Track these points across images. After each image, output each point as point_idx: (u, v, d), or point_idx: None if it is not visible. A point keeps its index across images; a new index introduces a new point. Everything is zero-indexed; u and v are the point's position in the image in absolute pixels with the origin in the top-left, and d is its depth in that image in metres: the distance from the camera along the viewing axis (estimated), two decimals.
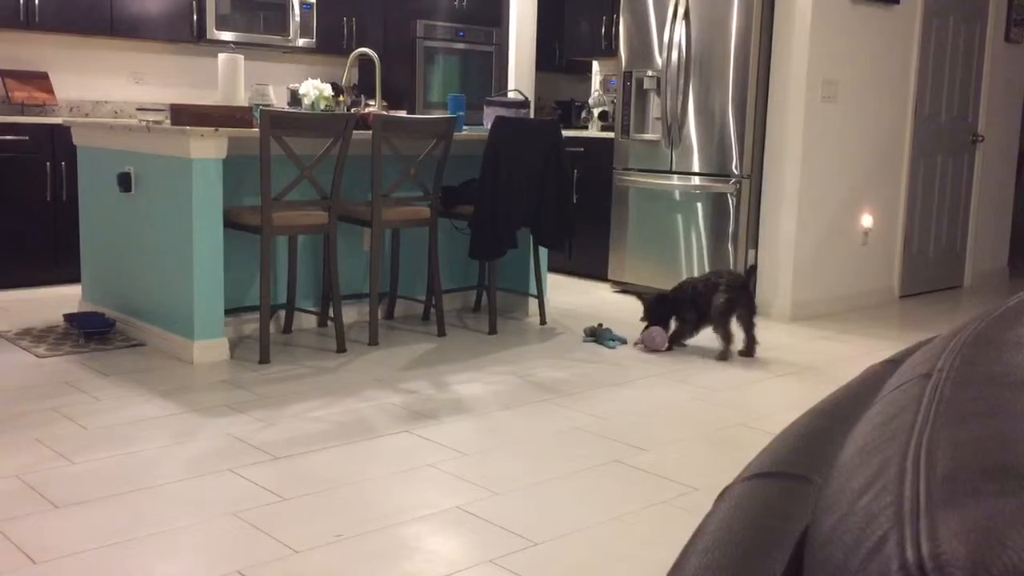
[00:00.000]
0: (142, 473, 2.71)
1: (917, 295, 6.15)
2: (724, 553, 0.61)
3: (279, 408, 3.35)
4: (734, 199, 5.29)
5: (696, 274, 5.47)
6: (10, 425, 3.08)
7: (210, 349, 3.95)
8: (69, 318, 4.33)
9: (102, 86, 6.15)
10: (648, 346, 4.38)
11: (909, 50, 5.76)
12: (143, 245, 4.21)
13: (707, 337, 4.55)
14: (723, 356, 4.26)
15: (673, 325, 4.43)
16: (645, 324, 4.44)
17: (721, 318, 4.22)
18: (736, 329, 4.26)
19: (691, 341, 4.51)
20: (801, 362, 4.28)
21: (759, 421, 3.40)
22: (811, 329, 5.01)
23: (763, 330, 4.91)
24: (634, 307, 5.44)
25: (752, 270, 4.46)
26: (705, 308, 4.25)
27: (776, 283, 5.29)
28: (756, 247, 5.37)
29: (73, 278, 5.39)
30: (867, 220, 5.67)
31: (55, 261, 5.46)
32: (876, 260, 5.80)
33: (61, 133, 5.36)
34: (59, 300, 5.10)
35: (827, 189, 5.35)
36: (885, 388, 0.70)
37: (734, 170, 5.28)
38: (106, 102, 6.15)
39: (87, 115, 6.08)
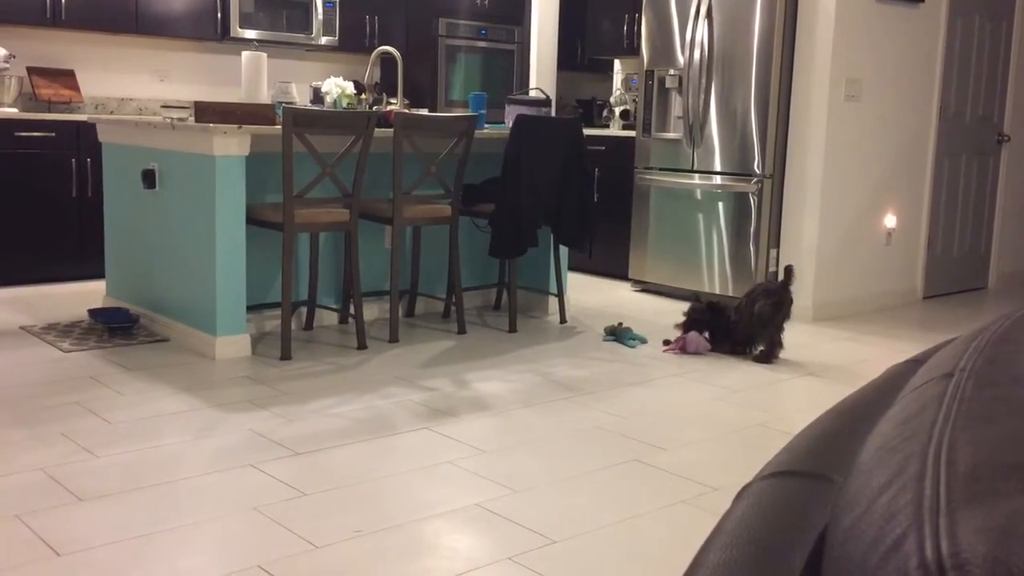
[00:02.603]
0: (164, 467, 2.74)
1: (941, 296, 6.10)
2: (743, 551, 0.61)
3: (300, 404, 3.36)
4: (756, 199, 5.27)
5: (716, 273, 5.46)
6: (35, 419, 3.12)
7: (232, 345, 3.97)
8: (93, 313, 4.37)
9: (127, 83, 6.20)
10: (688, 350, 4.32)
11: (934, 49, 5.71)
12: (167, 241, 4.24)
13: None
14: (763, 358, 4.23)
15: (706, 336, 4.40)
16: (683, 330, 4.40)
17: (762, 321, 4.18)
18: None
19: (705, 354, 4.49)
20: (823, 362, 4.25)
21: (779, 421, 3.38)
22: (833, 330, 4.98)
23: (785, 330, 4.88)
24: (654, 306, 5.43)
25: (789, 271, 4.33)
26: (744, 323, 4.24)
27: (798, 283, 5.25)
28: (778, 247, 5.34)
29: (98, 274, 5.45)
30: (890, 220, 5.62)
31: (80, 257, 5.52)
32: (899, 261, 5.76)
33: (87, 130, 5.41)
34: (84, 295, 5.15)
35: (850, 189, 5.32)
36: (907, 387, 0.69)
37: (756, 169, 5.25)
38: (131, 99, 6.21)
39: (112, 112, 6.13)
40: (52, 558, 2.16)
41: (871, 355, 4.43)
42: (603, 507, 2.56)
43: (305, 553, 2.23)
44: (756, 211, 5.27)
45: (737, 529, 0.64)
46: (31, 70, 5.71)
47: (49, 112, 5.59)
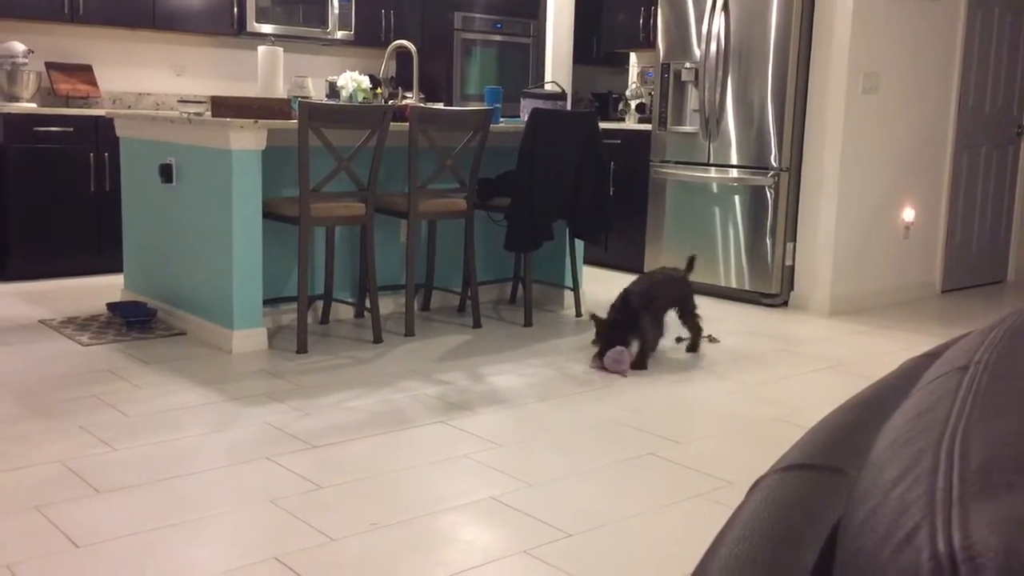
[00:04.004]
0: (182, 460, 2.76)
1: (959, 290, 6.06)
2: (755, 543, 0.61)
3: (316, 397, 3.38)
4: (772, 192, 5.24)
5: (732, 267, 5.44)
6: (54, 411, 3.14)
7: (249, 339, 3.99)
8: (112, 307, 4.41)
9: (144, 78, 6.23)
10: (612, 368, 3.84)
11: (953, 41, 5.66)
12: (184, 235, 4.26)
13: (747, 337, 4.52)
14: (640, 363, 3.90)
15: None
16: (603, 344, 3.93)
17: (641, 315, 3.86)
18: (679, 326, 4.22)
19: (729, 343, 4.47)
20: (839, 356, 4.23)
21: (795, 415, 3.37)
22: (850, 324, 4.95)
23: (802, 324, 4.87)
24: None
25: (691, 261, 4.24)
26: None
27: (815, 277, 5.24)
28: (794, 240, 5.32)
29: (116, 268, 5.48)
30: (908, 214, 5.59)
31: (98, 251, 5.56)
32: (917, 254, 5.73)
33: (104, 125, 5.45)
34: (102, 289, 5.19)
35: (867, 182, 5.29)
36: (922, 381, 0.69)
37: (773, 163, 5.23)
38: (148, 94, 6.24)
39: (130, 107, 6.17)
40: (71, 549, 2.18)
41: (888, 349, 4.41)
42: (618, 501, 2.56)
43: (321, 545, 2.24)
44: (772, 205, 5.25)
45: (751, 522, 0.64)
46: (49, 65, 5.75)
47: (67, 107, 5.63)
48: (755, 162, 5.31)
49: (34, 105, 5.44)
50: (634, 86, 6.94)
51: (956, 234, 5.97)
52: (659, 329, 3.98)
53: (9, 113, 5.20)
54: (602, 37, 7.21)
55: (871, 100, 5.20)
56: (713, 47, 5.43)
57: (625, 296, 3.93)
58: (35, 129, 5.27)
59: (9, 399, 3.25)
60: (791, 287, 5.35)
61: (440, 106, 4.92)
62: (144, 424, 3.05)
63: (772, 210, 5.25)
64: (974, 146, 5.97)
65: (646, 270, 5.94)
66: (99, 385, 3.45)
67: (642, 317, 3.87)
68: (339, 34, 6.62)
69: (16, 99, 5.45)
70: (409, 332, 4.35)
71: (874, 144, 5.27)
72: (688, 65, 5.57)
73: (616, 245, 6.32)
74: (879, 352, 4.35)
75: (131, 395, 3.34)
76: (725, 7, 5.35)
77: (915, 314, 5.27)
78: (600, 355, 3.89)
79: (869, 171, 5.28)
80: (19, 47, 5.46)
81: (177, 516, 2.38)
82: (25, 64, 5.48)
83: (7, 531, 2.26)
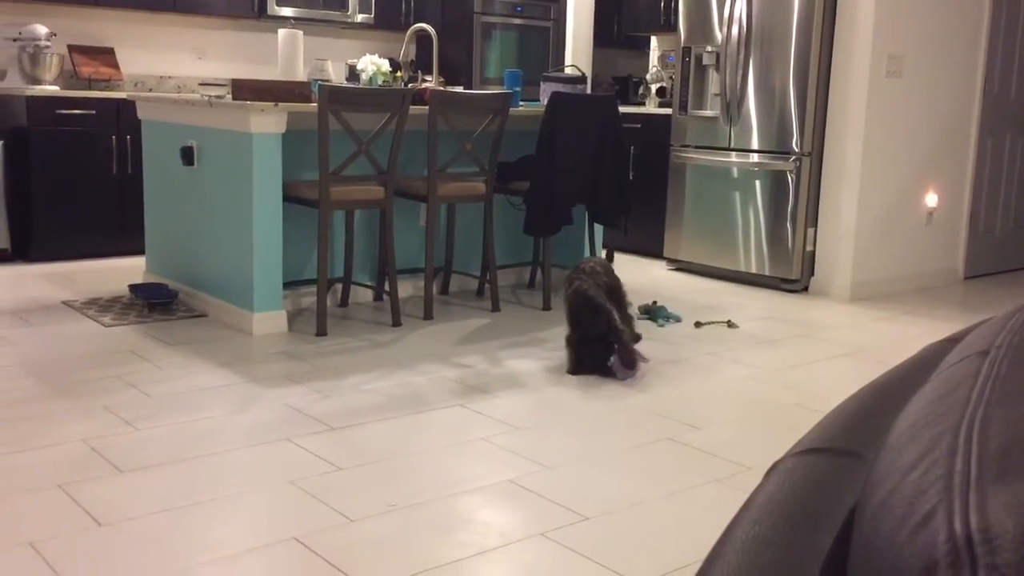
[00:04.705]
0: (203, 440, 2.78)
1: (982, 276, 6.00)
2: (772, 525, 0.61)
3: (335, 380, 3.40)
4: (794, 177, 5.21)
5: (753, 252, 5.41)
6: (77, 391, 3.18)
7: (269, 321, 4.02)
8: (134, 289, 4.44)
9: (166, 61, 6.25)
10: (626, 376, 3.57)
11: (979, 25, 5.59)
12: (205, 218, 4.29)
13: (766, 323, 4.50)
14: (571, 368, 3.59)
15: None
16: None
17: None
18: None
19: (748, 328, 4.46)
20: (859, 343, 4.21)
21: (814, 401, 3.36)
22: (871, 310, 4.92)
23: (822, 310, 4.85)
24: (688, 285, 5.40)
25: (610, 254, 3.81)
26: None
27: (836, 263, 5.21)
28: (816, 226, 5.29)
29: (138, 250, 5.52)
30: (931, 199, 5.54)
31: (121, 233, 5.60)
32: (940, 240, 5.68)
33: (126, 107, 5.47)
34: (124, 271, 5.23)
35: (890, 167, 5.24)
36: (942, 365, 0.69)
37: (794, 147, 5.19)
38: (170, 77, 6.26)
39: (151, 90, 6.19)
40: (93, 527, 2.21)
41: (909, 336, 4.38)
42: (635, 485, 2.57)
43: (340, 526, 2.26)
44: (794, 189, 5.22)
45: (767, 504, 0.64)
46: (72, 48, 5.78)
47: (89, 90, 5.66)
48: (776, 147, 5.27)
49: (57, 88, 5.47)
50: (655, 70, 6.90)
51: (980, 220, 5.91)
52: (625, 313, 3.61)
53: (32, 96, 5.23)
54: (623, 20, 7.17)
55: (895, 84, 5.14)
56: (735, 30, 5.39)
57: (578, 312, 3.50)
58: (58, 112, 5.31)
59: (33, 379, 3.29)
60: (811, 273, 5.32)
61: (460, 89, 4.91)
62: (166, 404, 3.08)
63: (793, 195, 5.22)
64: (999, 132, 5.91)
65: (666, 255, 5.93)
66: (121, 366, 3.48)
67: (609, 319, 3.47)
68: (359, 17, 6.61)
69: (39, 82, 5.48)
70: (428, 315, 4.37)
71: (897, 129, 5.22)
72: (709, 49, 5.53)
73: (636, 230, 6.30)
74: (900, 338, 4.32)
75: (153, 376, 3.38)
76: None
77: (937, 301, 5.24)
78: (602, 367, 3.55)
79: (892, 156, 5.23)
80: (42, 30, 5.49)
81: (198, 495, 2.40)
82: (48, 47, 5.51)
83: (31, 509, 2.30)
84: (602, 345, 3.51)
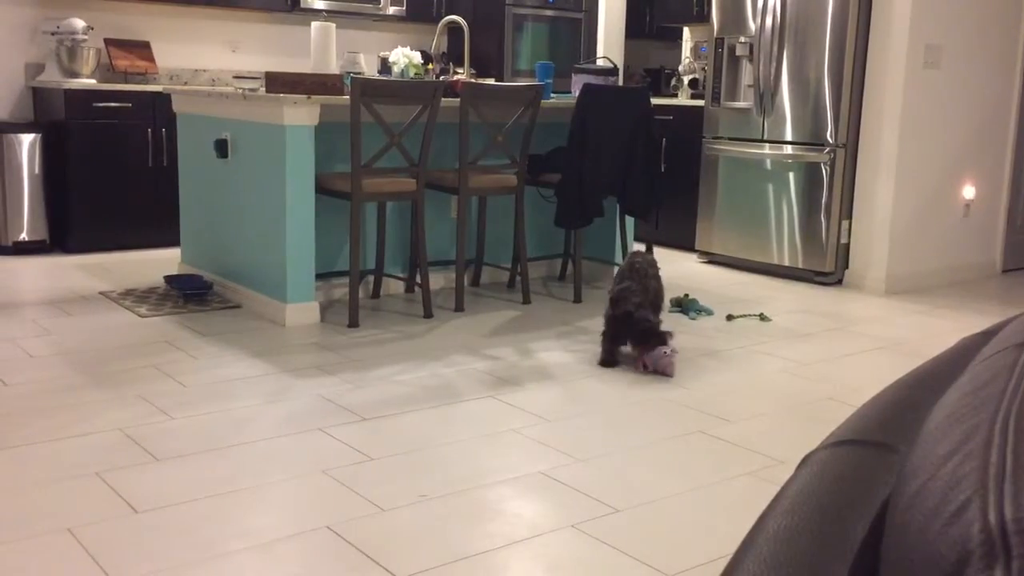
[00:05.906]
0: (237, 430, 2.81)
1: (1021, 270, 5.91)
2: (804, 517, 0.61)
3: (367, 371, 3.42)
4: (828, 169, 5.16)
5: (786, 245, 5.36)
6: (114, 380, 3.22)
7: (302, 312, 4.05)
8: (169, 280, 4.49)
9: (200, 55, 6.31)
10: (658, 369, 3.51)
11: (1019, 13, 5.50)
12: (239, 210, 4.33)
13: (799, 316, 4.46)
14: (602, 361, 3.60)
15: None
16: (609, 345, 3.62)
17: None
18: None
19: (781, 321, 4.42)
20: (894, 336, 4.17)
21: (848, 395, 3.33)
22: (906, 303, 4.87)
23: (856, 303, 4.80)
24: (721, 278, 5.37)
25: (649, 247, 3.83)
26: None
27: (870, 255, 5.15)
28: (850, 218, 5.23)
29: (173, 241, 5.59)
30: (969, 191, 5.46)
31: (156, 225, 5.66)
32: (977, 233, 5.60)
33: (162, 101, 5.53)
34: (160, 262, 5.30)
35: (927, 159, 5.17)
36: (977, 358, 0.68)
37: (829, 139, 5.14)
38: (204, 70, 6.32)
39: (186, 83, 6.25)
40: (130, 514, 2.25)
41: (945, 329, 4.33)
42: (666, 477, 2.56)
43: (372, 516, 2.28)
44: (828, 181, 5.17)
45: (799, 496, 0.64)
46: (108, 42, 5.85)
47: (126, 83, 5.73)
48: (811, 138, 5.22)
49: (94, 81, 5.54)
50: (687, 61, 6.85)
51: (1018, 213, 5.82)
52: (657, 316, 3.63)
53: (70, 89, 5.30)
54: (655, 11, 7.13)
55: (933, 75, 5.07)
56: (769, 21, 5.34)
57: (626, 312, 3.52)
58: (95, 105, 5.38)
59: (70, 369, 3.34)
60: (846, 265, 5.27)
61: (491, 82, 4.91)
62: (201, 394, 3.12)
63: (827, 187, 5.17)
64: None
65: (697, 247, 5.90)
66: (157, 356, 3.53)
67: (651, 322, 3.50)
68: (391, 10, 6.63)
69: (76, 75, 5.55)
70: (459, 307, 4.38)
71: (934, 120, 5.15)
72: (743, 39, 5.49)
73: (667, 222, 6.27)
74: (935, 332, 4.27)
75: (188, 366, 3.42)
76: None
77: (974, 294, 5.17)
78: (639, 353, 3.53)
79: (929, 147, 5.16)
80: (79, 23, 5.56)
81: (233, 484, 2.43)
82: (85, 40, 5.57)
83: (69, 496, 2.34)
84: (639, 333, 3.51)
